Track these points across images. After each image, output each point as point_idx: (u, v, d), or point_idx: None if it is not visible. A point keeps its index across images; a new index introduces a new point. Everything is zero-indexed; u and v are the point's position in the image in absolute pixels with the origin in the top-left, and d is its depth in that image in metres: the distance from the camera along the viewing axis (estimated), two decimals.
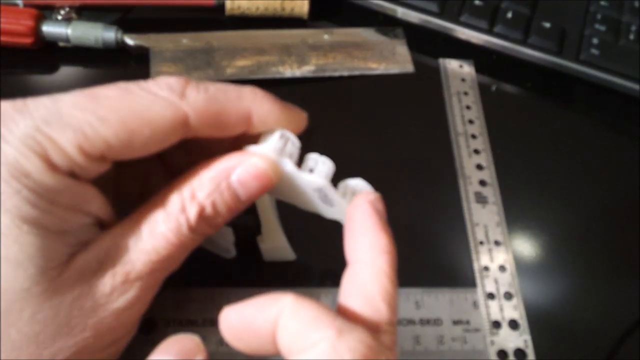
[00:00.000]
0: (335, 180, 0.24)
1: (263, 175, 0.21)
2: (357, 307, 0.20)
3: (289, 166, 0.22)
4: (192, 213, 0.20)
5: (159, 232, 0.20)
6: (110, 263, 0.20)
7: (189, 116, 0.20)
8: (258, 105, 0.22)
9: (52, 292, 0.19)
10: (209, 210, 0.21)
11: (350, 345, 0.17)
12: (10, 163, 0.18)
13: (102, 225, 0.21)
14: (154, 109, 0.20)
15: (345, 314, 0.20)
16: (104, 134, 0.19)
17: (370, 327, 0.19)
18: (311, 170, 0.23)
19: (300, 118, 0.24)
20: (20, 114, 0.19)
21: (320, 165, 0.23)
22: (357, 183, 0.24)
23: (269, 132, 0.23)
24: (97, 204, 0.20)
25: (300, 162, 0.23)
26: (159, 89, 0.20)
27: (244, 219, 0.27)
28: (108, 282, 0.20)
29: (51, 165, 0.18)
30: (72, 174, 0.19)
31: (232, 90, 0.22)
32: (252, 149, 0.22)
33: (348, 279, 0.21)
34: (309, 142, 0.25)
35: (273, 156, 0.22)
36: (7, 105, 0.19)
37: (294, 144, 0.23)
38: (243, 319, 0.19)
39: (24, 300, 0.18)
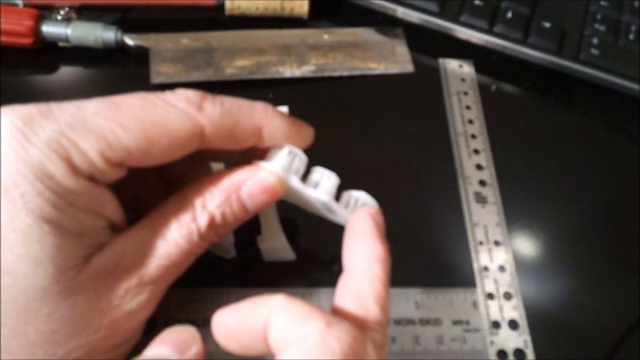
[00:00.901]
0: (339, 186, 0.24)
1: (271, 190, 0.22)
2: (350, 306, 0.20)
3: (296, 182, 0.23)
4: (203, 222, 0.21)
5: (172, 238, 0.21)
6: (125, 266, 0.20)
7: (205, 128, 0.21)
8: (269, 120, 0.23)
9: (69, 292, 0.19)
10: (218, 219, 0.22)
11: (338, 336, 0.18)
12: (35, 165, 0.18)
13: (115, 229, 0.21)
14: (173, 120, 0.21)
15: (338, 313, 0.20)
16: (125, 141, 0.20)
17: (361, 325, 0.20)
18: (316, 184, 0.23)
19: (308, 133, 0.25)
20: (45, 119, 0.19)
21: (325, 180, 0.23)
22: (360, 195, 0.24)
23: (277, 146, 0.23)
24: (112, 208, 0.21)
25: (307, 174, 0.24)
26: (177, 101, 0.21)
27: None
28: (123, 284, 0.20)
29: (73, 169, 0.19)
30: (92, 178, 0.20)
31: (245, 105, 0.23)
32: (262, 164, 0.23)
33: (344, 282, 0.22)
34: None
35: (281, 172, 0.22)
36: (34, 109, 0.19)
37: (301, 160, 0.23)
38: (235, 319, 0.20)
39: (42, 299, 0.19)
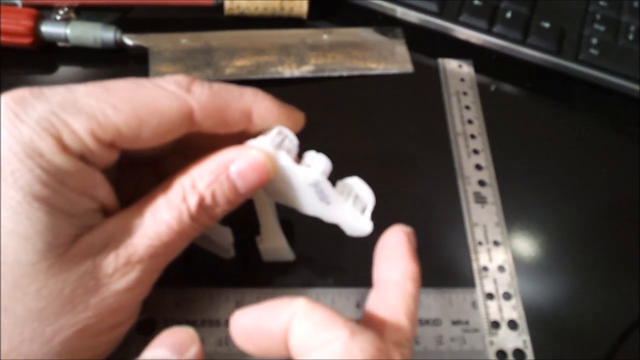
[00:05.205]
0: (335, 181, 0.24)
1: (260, 167, 0.22)
2: (382, 319, 0.21)
3: (286, 160, 0.23)
4: (193, 202, 0.21)
5: (161, 219, 0.21)
6: (114, 245, 0.20)
7: (194, 109, 0.22)
8: (258, 103, 0.23)
9: (58, 269, 0.19)
10: (208, 200, 0.22)
11: (362, 347, 0.18)
12: (25, 142, 0.19)
13: (107, 213, 0.21)
14: (163, 101, 0.21)
15: (370, 324, 0.21)
16: (115, 121, 0.20)
17: (390, 338, 0.20)
18: (308, 167, 0.23)
19: (298, 117, 0.25)
20: (37, 99, 0.20)
21: (317, 162, 0.23)
22: (354, 181, 0.24)
23: (267, 129, 0.24)
24: (104, 191, 0.21)
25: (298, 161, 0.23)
26: (167, 84, 0.22)
27: (243, 220, 0.27)
28: (111, 263, 0.20)
29: (64, 147, 0.19)
30: (83, 158, 0.20)
31: (234, 88, 0.23)
32: (251, 142, 0.23)
33: (376, 295, 0.22)
34: (308, 142, 0.25)
35: (270, 149, 0.22)
36: (26, 91, 0.20)
37: (292, 141, 0.24)
38: (255, 321, 0.20)
39: (31, 275, 0.19)
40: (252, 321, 0.20)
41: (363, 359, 0.18)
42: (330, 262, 0.28)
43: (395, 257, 0.23)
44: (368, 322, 0.21)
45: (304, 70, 0.36)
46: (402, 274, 0.22)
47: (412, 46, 0.38)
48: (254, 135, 0.24)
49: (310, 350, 0.18)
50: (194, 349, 0.18)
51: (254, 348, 0.20)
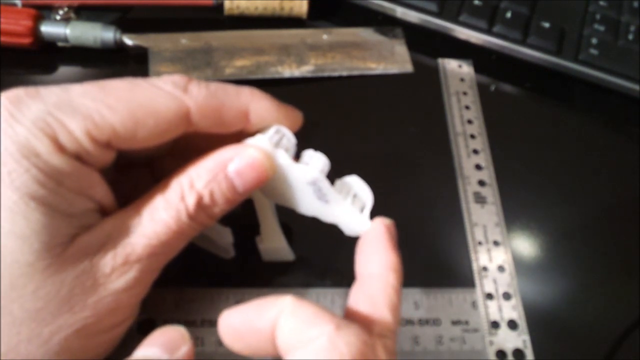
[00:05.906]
0: (333, 181, 0.24)
1: (259, 166, 0.22)
2: (364, 312, 0.21)
3: (284, 158, 0.23)
4: (191, 201, 0.21)
5: (160, 218, 0.21)
6: (112, 245, 0.20)
7: (191, 109, 0.22)
8: (256, 102, 0.23)
9: (55, 269, 0.19)
10: (206, 199, 0.21)
11: (347, 340, 0.18)
12: (21, 142, 0.19)
13: (104, 213, 0.21)
14: (159, 101, 0.21)
15: (353, 318, 0.21)
16: (111, 121, 0.20)
17: (373, 330, 0.20)
18: (306, 165, 0.23)
19: (296, 116, 0.25)
20: (32, 99, 0.20)
21: (315, 160, 0.23)
22: (353, 180, 0.24)
23: (265, 129, 0.23)
24: (101, 190, 0.21)
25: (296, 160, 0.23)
26: (163, 84, 0.22)
27: (243, 220, 0.27)
28: (109, 262, 0.20)
29: (60, 147, 0.19)
30: (79, 158, 0.20)
31: (231, 88, 0.23)
32: (248, 141, 0.23)
33: (357, 289, 0.22)
34: (308, 142, 0.25)
35: (268, 147, 0.22)
36: (21, 91, 0.20)
37: (290, 140, 0.23)
38: (242, 320, 0.20)
39: (27, 275, 0.19)
40: (240, 320, 0.20)
41: (349, 352, 0.18)
42: (329, 263, 0.28)
43: (376, 249, 0.23)
44: (351, 316, 0.21)
45: (304, 70, 0.36)
46: (383, 266, 0.22)
47: (412, 46, 0.38)
48: (252, 134, 0.24)
49: (297, 347, 0.18)
50: (184, 348, 0.18)
51: (242, 347, 0.20)
